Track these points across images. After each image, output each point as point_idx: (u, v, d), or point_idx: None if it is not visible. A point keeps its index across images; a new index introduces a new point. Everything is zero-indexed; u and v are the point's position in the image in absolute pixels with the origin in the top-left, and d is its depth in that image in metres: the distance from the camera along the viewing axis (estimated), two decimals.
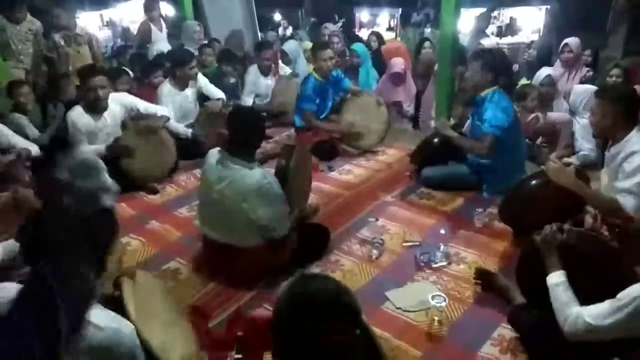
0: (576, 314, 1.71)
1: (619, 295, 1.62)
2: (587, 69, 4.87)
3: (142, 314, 1.77)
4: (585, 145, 3.99)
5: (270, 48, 5.37)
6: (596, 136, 2.80)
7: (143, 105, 3.97)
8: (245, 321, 2.32)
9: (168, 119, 4.04)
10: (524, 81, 4.78)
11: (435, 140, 3.82)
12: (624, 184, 2.49)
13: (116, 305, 1.79)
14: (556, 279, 1.85)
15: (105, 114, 3.73)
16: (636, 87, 3.58)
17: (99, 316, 1.40)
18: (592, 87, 3.91)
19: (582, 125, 4.00)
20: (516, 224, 3.01)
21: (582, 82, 4.73)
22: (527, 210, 2.77)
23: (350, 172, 4.16)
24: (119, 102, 3.84)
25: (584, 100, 3.97)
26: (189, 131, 4.31)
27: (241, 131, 2.59)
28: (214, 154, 2.68)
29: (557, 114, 4.27)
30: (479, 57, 3.51)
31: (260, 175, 2.51)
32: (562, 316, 1.76)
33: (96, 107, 3.67)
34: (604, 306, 1.65)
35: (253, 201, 2.50)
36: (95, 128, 3.69)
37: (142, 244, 3.15)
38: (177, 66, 4.39)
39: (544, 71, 4.71)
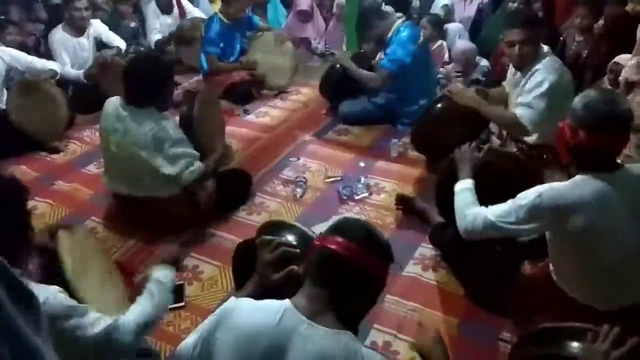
0: (476, 212, 1.78)
1: (519, 195, 1.70)
2: None
3: (77, 271, 1.67)
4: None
5: None
6: (519, 68, 2.67)
7: (26, 60, 3.59)
8: None
9: (56, 73, 3.68)
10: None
11: (337, 66, 3.82)
12: (523, 98, 2.59)
13: (50, 259, 1.67)
14: (464, 185, 1.93)
15: None
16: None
17: None
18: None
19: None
20: (428, 149, 3.12)
21: (479, 9, 4.91)
22: (436, 134, 2.87)
23: (266, 114, 4.09)
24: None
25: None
26: (80, 73, 3.91)
27: (140, 79, 2.41)
28: (109, 104, 2.51)
29: (462, 43, 4.42)
30: (372, 8, 3.53)
31: (153, 120, 2.40)
32: (462, 215, 1.82)
33: None
34: (505, 205, 1.73)
35: (150, 148, 2.39)
36: None
37: (51, 207, 2.94)
38: (64, 6, 3.97)
39: (441, 0, 4.83)
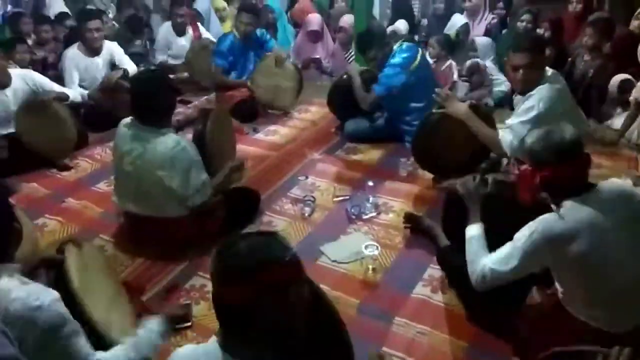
0: (483, 264, 1.76)
1: (515, 236, 1.69)
2: (493, 16, 5.04)
3: (85, 285, 1.68)
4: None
5: (183, 5, 5.05)
6: (522, 93, 2.63)
7: (49, 86, 3.64)
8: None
9: (67, 97, 3.73)
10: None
11: (344, 77, 3.83)
12: (509, 121, 2.59)
13: (57, 273, 1.69)
14: (473, 231, 1.89)
15: (7, 90, 3.43)
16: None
17: (12, 285, 1.33)
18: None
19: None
20: (427, 163, 3.11)
21: (487, 29, 4.94)
22: (433, 146, 2.87)
23: (275, 132, 4.12)
24: (22, 79, 3.51)
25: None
26: (85, 93, 3.95)
27: (146, 96, 2.43)
28: (124, 124, 2.53)
29: (470, 62, 4.45)
30: (371, 41, 3.51)
31: (173, 141, 2.41)
32: (471, 268, 1.81)
33: None
34: (504, 250, 1.72)
35: (168, 169, 2.40)
36: None
37: (61, 224, 2.95)
38: (78, 25, 4.08)
39: (459, 19, 4.85)
